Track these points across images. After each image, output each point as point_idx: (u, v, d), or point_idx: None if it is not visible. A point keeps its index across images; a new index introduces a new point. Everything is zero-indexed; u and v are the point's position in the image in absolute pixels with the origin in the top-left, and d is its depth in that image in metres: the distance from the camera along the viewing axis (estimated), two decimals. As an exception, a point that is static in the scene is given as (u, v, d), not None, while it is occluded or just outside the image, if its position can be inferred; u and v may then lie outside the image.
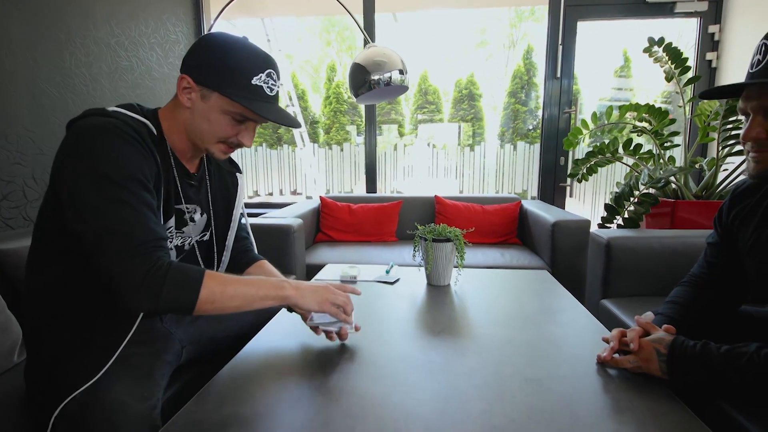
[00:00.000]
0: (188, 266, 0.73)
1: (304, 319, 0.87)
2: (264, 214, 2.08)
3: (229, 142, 0.84)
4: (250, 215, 1.95)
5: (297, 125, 0.88)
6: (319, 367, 0.77)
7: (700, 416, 0.63)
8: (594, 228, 1.71)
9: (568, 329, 0.93)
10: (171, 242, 0.88)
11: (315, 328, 0.86)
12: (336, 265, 1.44)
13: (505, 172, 3.17)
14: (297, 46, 5.10)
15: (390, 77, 1.51)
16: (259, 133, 3.91)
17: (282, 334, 0.91)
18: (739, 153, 1.86)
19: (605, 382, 0.71)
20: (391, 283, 1.26)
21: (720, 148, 1.91)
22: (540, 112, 2.76)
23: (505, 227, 2.32)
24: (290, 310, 0.93)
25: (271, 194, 3.10)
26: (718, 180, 1.96)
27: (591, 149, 2.16)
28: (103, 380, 0.70)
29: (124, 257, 0.67)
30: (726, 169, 1.96)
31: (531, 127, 4.13)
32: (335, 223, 2.37)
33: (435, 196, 2.43)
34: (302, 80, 4.29)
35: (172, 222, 0.86)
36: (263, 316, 0.99)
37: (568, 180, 2.76)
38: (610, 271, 1.44)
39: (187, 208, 0.90)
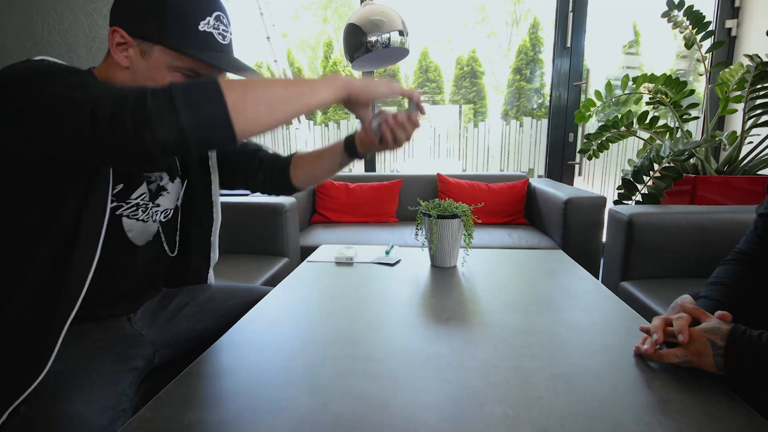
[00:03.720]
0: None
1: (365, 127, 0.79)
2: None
3: None
4: (240, 196, 1.82)
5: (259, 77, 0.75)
6: (306, 364, 0.65)
7: (761, 414, 0.51)
8: (610, 204, 1.58)
9: (595, 315, 0.81)
10: (148, 216, 0.77)
11: (381, 127, 0.75)
12: (331, 246, 1.32)
13: (510, 150, 3.03)
14: (293, 25, 4.89)
15: (389, 38, 1.36)
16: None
17: (264, 325, 0.79)
18: (766, 124, 1.72)
19: (648, 379, 0.59)
20: (392, 265, 1.14)
21: (745, 119, 1.76)
22: (546, 90, 2.61)
23: (512, 206, 2.19)
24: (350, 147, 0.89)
25: None
26: (742, 154, 1.82)
27: (603, 123, 2.02)
28: (55, 389, 0.59)
29: (116, 100, 0.51)
30: (751, 142, 1.83)
31: (536, 106, 3.97)
32: (332, 204, 2.24)
33: (437, 174, 2.30)
34: (298, 58, 4.10)
35: (143, 189, 0.75)
36: (241, 311, 0.87)
37: (578, 157, 2.62)
38: (632, 251, 1.31)
39: (149, 177, 0.77)
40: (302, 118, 3.25)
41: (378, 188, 2.25)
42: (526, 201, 2.23)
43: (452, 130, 3.33)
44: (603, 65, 3.57)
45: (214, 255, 0.97)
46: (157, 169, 0.79)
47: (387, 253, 1.23)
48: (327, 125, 2.95)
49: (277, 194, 0.99)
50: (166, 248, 0.87)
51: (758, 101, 1.73)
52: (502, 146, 3.06)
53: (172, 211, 0.86)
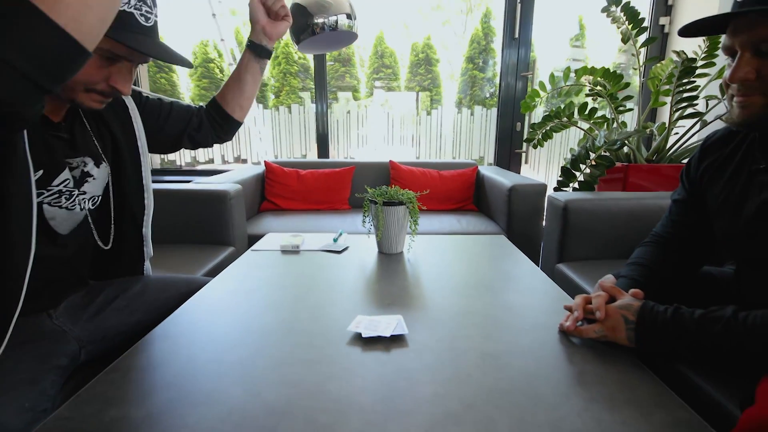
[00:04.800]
0: None
1: None
2: (191, 181, 1.84)
3: (99, 90, 0.65)
4: (184, 183, 1.73)
5: (188, 64, 0.71)
6: (242, 354, 0.64)
7: (665, 383, 0.57)
8: (550, 191, 1.66)
9: (528, 296, 0.85)
10: (74, 204, 0.72)
11: None
12: (278, 234, 1.29)
13: (462, 139, 3.09)
14: (242, 1, 4.66)
15: (336, 21, 1.33)
16: (196, 94, 3.55)
17: (200, 316, 0.77)
18: (690, 116, 1.87)
19: (569, 354, 0.64)
20: (339, 252, 1.14)
21: (672, 111, 1.90)
22: (497, 80, 2.68)
23: (461, 193, 2.25)
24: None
25: (211, 161, 2.80)
26: (669, 144, 1.97)
27: (547, 113, 2.11)
28: None
29: None
30: (677, 133, 1.98)
31: (488, 95, 4.06)
32: (282, 191, 2.19)
33: (390, 161, 2.31)
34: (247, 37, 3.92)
35: (66, 176, 0.69)
36: (177, 302, 0.84)
37: (524, 146, 2.72)
38: (567, 235, 1.40)
39: (69, 162, 0.71)
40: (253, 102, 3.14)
41: (330, 175, 2.22)
42: (475, 188, 2.29)
43: (407, 117, 3.34)
44: (551, 57, 3.70)
45: (148, 249, 0.92)
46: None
47: (335, 240, 1.23)
48: (278, 109, 2.85)
49: (228, 137, 1.03)
50: (96, 238, 0.81)
51: (684, 95, 1.87)
52: (455, 134, 3.11)
53: (101, 197, 0.80)
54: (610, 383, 0.56)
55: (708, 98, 1.91)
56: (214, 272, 1.35)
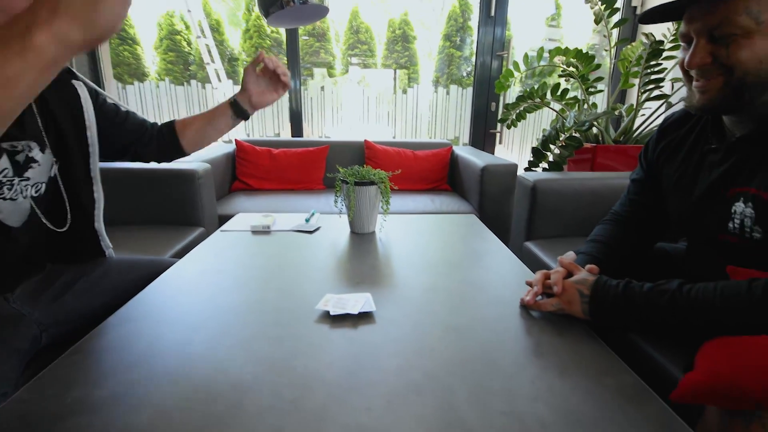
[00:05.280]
0: None
1: None
2: None
3: None
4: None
5: None
6: (209, 334, 0.64)
7: (617, 352, 0.61)
8: (521, 171, 1.69)
9: (493, 273, 0.88)
10: (17, 193, 0.68)
11: None
12: (249, 215, 1.28)
13: (438, 118, 3.10)
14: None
15: (306, -6, 1.29)
16: (162, 68, 3.38)
17: (166, 297, 0.76)
18: (657, 98, 1.92)
19: (528, 326, 0.67)
20: (311, 232, 1.14)
21: (640, 93, 1.95)
22: (474, 59, 2.67)
23: (436, 173, 2.27)
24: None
25: None
26: (636, 125, 2.03)
27: (521, 94, 2.13)
28: None
29: None
30: (643, 115, 2.03)
31: (465, 74, 4.05)
32: (254, 170, 2.15)
33: (365, 140, 2.29)
34: (217, 9, 3.74)
35: (5, 164, 0.66)
36: (142, 284, 0.82)
37: (498, 126, 2.75)
38: (535, 214, 1.44)
39: (13, 146, 0.68)
40: (222, 76, 3.02)
41: (304, 154, 2.19)
42: (450, 168, 2.32)
43: (384, 95, 3.30)
44: (527, 36, 3.71)
45: (105, 242, 0.90)
46: None
47: (307, 221, 1.22)
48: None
49: (168, 161, 1.01)
50: (47, 224, 0.78)
51: (652, 77, 1.92)
52: (431, 113, 3.11)
53: (45, 185, 0.76)
54: (563, 353, 0.60)
55: (674, 80, 1.97)
56: (182, 253, 1.33)
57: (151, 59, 3.49)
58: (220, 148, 2.20)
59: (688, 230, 0.79)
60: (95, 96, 0.87)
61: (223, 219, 1.70)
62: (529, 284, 0.75)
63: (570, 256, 0.87)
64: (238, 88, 0.99)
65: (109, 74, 2.72)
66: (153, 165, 1.02)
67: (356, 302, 0.71)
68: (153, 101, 2.62)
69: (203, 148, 1.02)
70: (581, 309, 0.67)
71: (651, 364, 0.77)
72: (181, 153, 0.99)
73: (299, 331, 0.64)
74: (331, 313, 0.68)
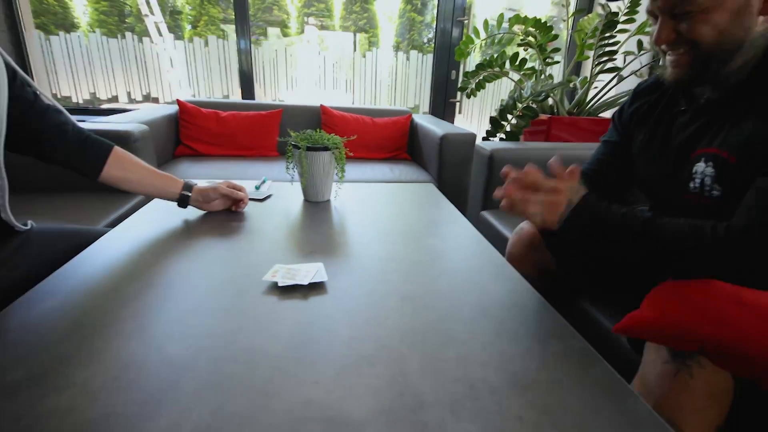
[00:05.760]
0: None
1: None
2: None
3: None
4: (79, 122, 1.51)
5: None
6: (141, 308, 0.58)
7: (567, 319, 0.62)
8: (479, 141, 1.69)
9: (449, 242, 0.87)
10: None
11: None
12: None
13: (399, 86, 3.02)
14: None
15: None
16: (95, 18, 3.02)
17: (94, 270, 0.69)
18: (610, 71, 1.96)
19: (482, 294, 0.67)
20: (261, 200, 1.08)
21: (594, 65, 1.99)
22: (435, 24, 2.60)
23: (395, 142, 2.23)
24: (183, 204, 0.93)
25: (115, 99, 2.43)
26: (589, 97, 2.08)
27: (481, 62, 2.10)
28: None
29: None
30: (596, 87, 2.08)
31: (426, 41, 3.96)
32: (200, 134, 2.00)
33: (321, 105, 2.19)
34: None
35: None
36: (68, 256, 0.74)
37: (458, 95, 2.73)
38: (491, 183, 1.45)
39: None
40: (164, 30, 2.74)
41: (255, 118, 2.07)
42: (409, 137, 2.28)
43: (343, 60, 3.16)
44: (488, 3, 3.65)
45: (18, 228, 0.79)
46: None
47: (257, 188, 1.16)
48: (192, 41, 2.51)
49: (75, 172, 0.84)
50: None
51: (606, 49, 1.95)
52: (391, 80, 3.02)
53: None
54: (515, 319, 0.60)
55: (626, 54, 2.01)
56: (117, 223, 1.22)
57: (81, 9, 3.11)
58: (160, 109, 2.02)
59: (652, 192, 0.81)
60: (12, 75, 0.74)
61: (167, 186, 1.58)
62: (506, 175, 0.71)
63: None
64: (180, 45, 0.87)
65: (29, 23, 2.39)
66: (87, 125, 0.90)
67: (307, 272, 0.68)
68: (83, 55, 2.34)
69: (115, 187, 0.89)
70: (557, 218, 0.65)
71: (597, 328, 0.81)
72: (92, 178, 0.85)
73: (244, 304, 0.60)
74: (279, 284, 0.65)
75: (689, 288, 0.55)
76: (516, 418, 0.43)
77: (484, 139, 1.88)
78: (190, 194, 0.91)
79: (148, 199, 0.98)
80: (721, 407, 0.52)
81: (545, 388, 0.47)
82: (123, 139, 1.32)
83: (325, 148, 1.02)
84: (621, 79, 2.01)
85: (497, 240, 1.27)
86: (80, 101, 2.49)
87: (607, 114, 2.35)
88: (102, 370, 0.46)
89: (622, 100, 2.02)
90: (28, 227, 0.80)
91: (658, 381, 0.54)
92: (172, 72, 2.43)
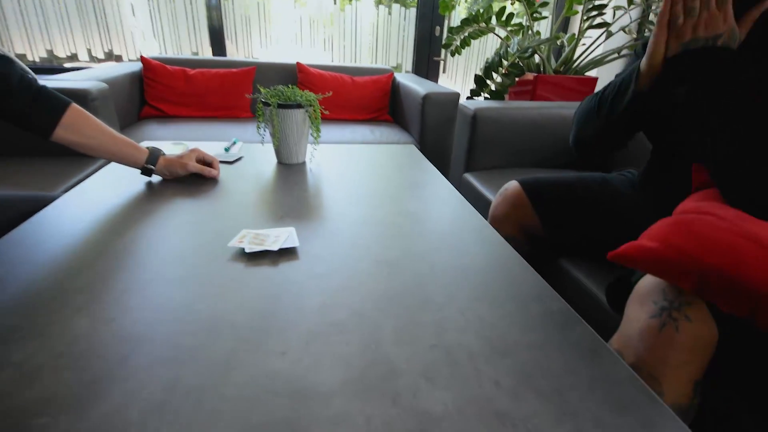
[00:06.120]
0: None
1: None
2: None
3: None
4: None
5: None
6: (91, 279, 0.54)
7: (549, 279, 0.60)
8: (463, 100, 1.63)
9: (430, 205, 0.84)
10: None
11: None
12: (156, 143, 1.11)
13: (380, 44, 2.88)
14: None
15: None
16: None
17: (42, 238, 0.63)
18: (599, 26, 1.89)
19: (462, 257, 0.64)
20: (231, 163, 1.02)
21: (583, 20, 1.91)
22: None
23: (376, 102, 2.14)
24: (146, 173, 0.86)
25: (74, 56, 2.23)
26: (576, 55, 2.01)
27: (466, 17, 2.00)
28: None
29: None
30: (584, 44, 2.01)
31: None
32: (167, 94, 1.87)
33: (297, 63, 2.07)
34: None
35: None
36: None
37: (442, 53, 2.62)
38: (474, 144, 1.40)
39: None
40: None
41: (226, 76, 1.94)
42: (391, 97, 2.19)
43: (321, 15, 2.98)
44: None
45: None
46: None
47: (227, 150, 1.09)
48: (158, -6, 2.30)
49: (24, 129, 0.75)
50: None
51: (595, 2, 1.86)
52: (373, 38, 2.88)
53: None
54: (496, 283, 0.58)
55: (616, 8, 1.93)
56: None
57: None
58: (122, 66, 1.87)
59: (657, 137, 0.77)
60: None
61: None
62: None
63: None
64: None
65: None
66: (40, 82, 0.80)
67: (277, 238, 0.64)
68: (35, 7, 2.12)
69: (70, 148, 0.79)
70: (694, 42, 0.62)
71: (578, 287, 0.80)
72: (43, 136, 0.76)
73: (207, 272, 0.56)
74: (247, 251, 0.60)
75: (695, 221, 0.53)
76: (493, 383, 0.41)
77: (468, 98, 1.82)
78: (154, 168, 0.85)
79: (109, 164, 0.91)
80: (702, 361, 0.51)
81: (524, 352, 0.45)
82: (79, 97, 1.22)
83: (299, 106, 0.95)
84: (609, 35, 1.94)
85: (480, 203, 1.25)
86: (36, 59, 2.30)
87: (594, 72, 2.29)
88: (45, 347, 0.42)
89: (609, 58, 1.95)
90: None
91: (642, 336, 0.53)
92: (135, 23, 2.22)
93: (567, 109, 1.46)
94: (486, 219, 0.85)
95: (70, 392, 0.37)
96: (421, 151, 1.79)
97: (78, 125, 0.76)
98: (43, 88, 0.75)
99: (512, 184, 0.93)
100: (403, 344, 0.45)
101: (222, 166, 0.98)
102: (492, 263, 0.62)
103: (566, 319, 0.51)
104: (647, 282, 0.57)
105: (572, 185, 0.88)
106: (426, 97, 1.77)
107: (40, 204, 0.76)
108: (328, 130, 1.76)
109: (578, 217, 0.86)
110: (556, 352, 0.45)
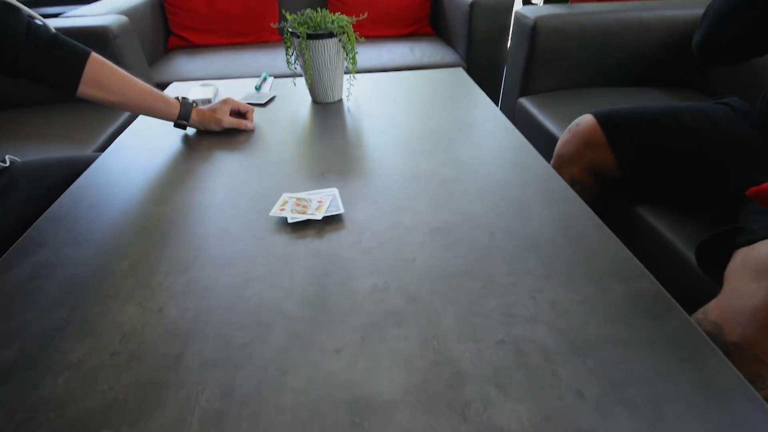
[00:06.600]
0: None
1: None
2: (61, 14, 1.35)
3: None
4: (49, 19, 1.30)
5: None
6: (133, 261, 0.52)
7: (622, 232, 0.52)
8: (519, 7, 1.39)
9: (484, 149, 0.74)
10: None
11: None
12: (184, 84, 1.04)
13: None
14: None
15: None
16: None
17: (86, 206, 0.62)
18: None
19: (525, 221, 0.56)
20: (263, 105, 0.94)
21: None
22: None
23: (415, 11, 1.89)
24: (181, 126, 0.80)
25: None
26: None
27: None
28: None
29: None
30: None
31: None
32: (190, 21, 1.73)
33: (325, -28, 1.83)
34: None
35: None
36: (58, 192, 0.66)
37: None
38: (534, 61, 1.21)
39: None
40: None
41: (250, -4, 1.75)
42: (432, 4, 1.92)
43: None
44: None
45: None
46: None
47: (257, 88, 1.00)
48: None
49: (45, 86, 0.68)
50: None
51: None
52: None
53: None
54: (569, 253, 0.50)
55: None
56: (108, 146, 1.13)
57: None
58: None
59: None
60: None
61: (163, 89, 1.42)
62: None
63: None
64: None
65: None
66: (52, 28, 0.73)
67: (320, 203, 0.58)
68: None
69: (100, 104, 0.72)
70: None
71: (658, 241, 0.71)
72: (67, 93, 0.69)
73: (251, 248, 0.52)
74: (290, 221, 0.56)
75: None
76: (574, 393, 0.36)
77: (524, 3, 1.55)
78: (187, 123, 0.79)
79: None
80: None
81: (608, 350, 0.39)
82: (99, 37, 1.13)
83: (330, 35, 0.83)
84: None
85: (538, 135, 1.11)
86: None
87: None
88: (100, 346, 0.41)
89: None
90: (7, 164, 0.71)
91: (756, 315, 0.45)
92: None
93: (648, 10, 1.20)
94: (545, 157, 0.73)
95: (130, 397, 0.36)
96: (468, 71, 1.60)
97: (101, 80, 0.70)
98: (57, 36, 0.68)
99: (585, 119, 0.79)
100: (466, 339, 0.41)
101: (255, 110, 0.90)
102: (563, 228, 0.54)
103: (658, 304, 0.44)
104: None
105: (659, 117, 0.74)
106: (474, 4, 1.52)
107: (76, 167, 0.74)
108: (363, 52, 1.59)
109: (666, 157, 0.73)
110: (647, 351, 0.39)
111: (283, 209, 0.58)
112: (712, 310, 0.51)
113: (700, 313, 0.53)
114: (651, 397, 0.35)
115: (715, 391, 0.36)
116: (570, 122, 0.83)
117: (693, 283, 0.64)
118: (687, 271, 0.65)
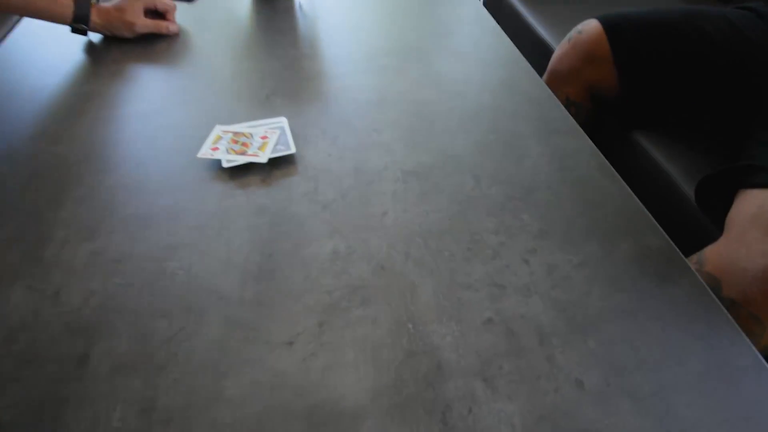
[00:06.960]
0: None
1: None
2: None
3: None
4: None
5: None
6: (32, 214, 0.40)
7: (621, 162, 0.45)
8: None
9: (467, 62, 0.61)
10: None
11: None
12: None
13: None
14: None
15: None
16: None
17: None
18: None
19: (516, 159, 0.47)
20: (189, 1, 0.74)
21: None
22: None
23: None
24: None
25: None
26: None
27: None
28: None
29: None
30: None
31: None
32: None
33: None
34: None
35: None
36: None
37: None
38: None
39: None
40: None
41: None
42: None
43: None
44: None
45: None
46: None
47: (181, -23, 0.78)
48: None
49: None
50: None
51: None
52: None
53: None
54: (568, 203, 0.43)
55: None
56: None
57: None
58: None
59: None
60: None
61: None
62: None
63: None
64: None
65: None
66: None
67: (264, 139, 0.46)
68: None
69: None
70: None
71: (653, 172, 0.64)
72: None
73: (176, 203, 0.41)
74: (224, 165, 0.44)
75: None
76: (573, 383, 0.30)
77: None
78: (87, 27, 0.59)
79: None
80: None
81: (612, 325, 0.33)
82: None
83: None
84: None
85: (527, 43, 0.96)
86: None
87: None
88: (-27, 346, 0.31)
89: None
90: None
91: (764, 277, 0.40)
92: None
93: None
94: (537, 71, 0.61)
95: (16, 420, 0.28)
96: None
97: None
98: None
99: (590, 26, 0.66)
100: (448, 320, 0.33)
101: (179, 6, 0.70)
102: (561, 169, 0.46)
103: (668, 264, 0.37)
104: None
105: (678, 26, 0.61)
106: None
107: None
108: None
109: (678, 74, 0.62)
110: (656, 325, 0.33)
111: (215, 148, 0.45)
112: (708, 259, 0.46)
113: (693, 262, 0.48)
114: (659, 385, 0.30)
115: (731, 376, 0.31)
116: (570, 29, 0.69)
117: (689, 221, 0.58)
118: (684, 209, 0.59)
